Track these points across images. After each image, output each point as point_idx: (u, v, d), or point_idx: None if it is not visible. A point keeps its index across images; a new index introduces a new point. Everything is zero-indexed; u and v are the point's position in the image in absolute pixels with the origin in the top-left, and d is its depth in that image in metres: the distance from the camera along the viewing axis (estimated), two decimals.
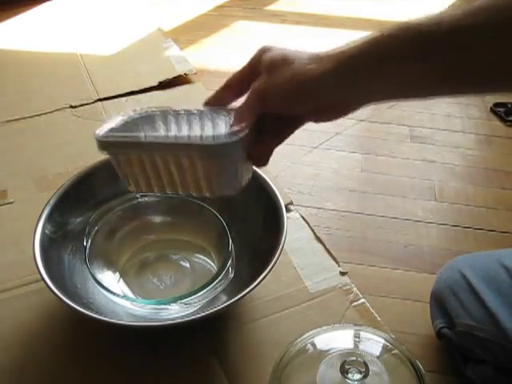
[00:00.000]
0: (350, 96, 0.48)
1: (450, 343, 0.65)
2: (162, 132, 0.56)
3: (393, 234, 0.85)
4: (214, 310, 0.60)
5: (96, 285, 0.65)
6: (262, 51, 0.51)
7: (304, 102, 0.48)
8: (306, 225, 0.83)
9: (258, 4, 1.45)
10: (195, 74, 1.14)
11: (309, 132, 1.04)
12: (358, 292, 0.73)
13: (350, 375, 0.54)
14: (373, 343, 0.61)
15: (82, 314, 0.59)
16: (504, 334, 0.56)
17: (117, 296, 0.65)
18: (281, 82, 0.48)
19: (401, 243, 0.84)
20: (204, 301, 0.65)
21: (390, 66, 0.43)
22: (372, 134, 1.01)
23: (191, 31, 1.35)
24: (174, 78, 1.12)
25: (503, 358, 0.58)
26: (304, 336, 0.61)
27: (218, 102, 0.55)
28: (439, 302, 0.66)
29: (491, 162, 1.01)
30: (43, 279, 0.61)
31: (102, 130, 0.54)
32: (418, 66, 0.42)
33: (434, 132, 1.08)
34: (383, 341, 0.61)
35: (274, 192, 0.71)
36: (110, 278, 0.69)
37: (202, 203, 0.73)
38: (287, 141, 0.53)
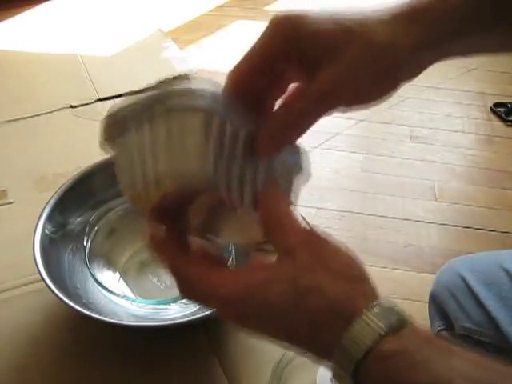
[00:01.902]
0: (436, 59, 0.41)
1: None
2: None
3: (393, 234, 0.85)
4: (214, 310, 0.60)
5: (96, 285, 0.65)
6: (286, 27, 0.39)
7: (389, 84, 0.40)
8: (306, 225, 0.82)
9: (257, 4, 1.45)
10: (195, 74, 1.14)
11: (309, 132, 1.04)
12: None
13: None
14: None
15: (82, 313, 0.59)
16: (504, 338, 0.56)
17: (117, 296, 0.65)
18: (359, 66, 0.38)
19: (401, 243, 0.84)
20: None
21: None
22: (372, 134, 1.01)
23: (191, 31, 1.35)
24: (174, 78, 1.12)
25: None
26: None
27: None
28: (438, 305, 0.66)
29: (492, 162, 1.01)
30: (43, 279, 0.61)
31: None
32: None
33: (434, 132, 1.08)
34: None
35: None
36: (109, 277, 0.69)
37: None
38: None
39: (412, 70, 0.40)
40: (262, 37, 0.40)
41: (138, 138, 0.41)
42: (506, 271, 0.60)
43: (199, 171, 0.39)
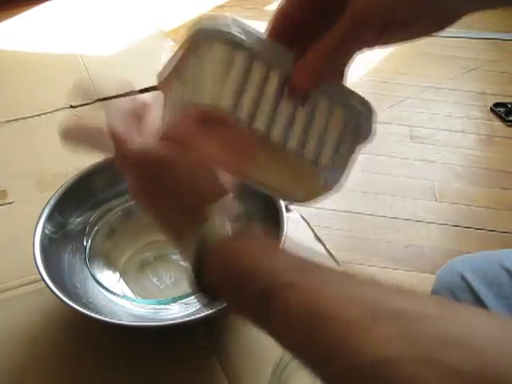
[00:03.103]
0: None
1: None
2: None
3: (393, 234, 0.85)
4: (214, 309, 0.60)
5: (96, 285, 0.65)
6: None
7: (433, 10, 0.37)
8: (306, 225, 0.83)
9: (257, 4, 1.45)
10: None
11: None
12: None
13: None
14: None
15: (82, 313, 0.59)
16: None
17: (117, 296, 0.65)
18: None
19: (401, 243, 0.84)
20: None
21: None
22: None
23: None
24: None
25: None
26: None
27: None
28: None
29: (492, 162, 1.01)
30: (43, 279, 0.61)
31: None
32: None
33: (434, 132, 1.08)
34: None
35: None
36: (109, 277, 0.69)
37: None
38: None
39: (447, 12, 0.38)
40: None
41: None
42: (507, 270, 0.60)
43: (210, 104, 0.39)
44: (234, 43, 0.39)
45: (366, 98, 0.43)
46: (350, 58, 0.40)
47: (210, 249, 0.41)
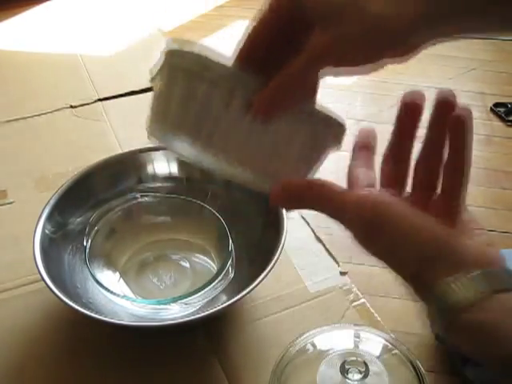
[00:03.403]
0: (435, 37, 0.39)
1: (449, 346, 0.65)
2: None
3: None
4: (214, 310, 0.60)
5: (96, 285, 0.66)
6: None
7: (385, 51, 0.39)
8: (306, 225, 0.83)
9: (257, 4, 1.45)
10: None
11: None
12: (358, 292, 0.73)
13: (350, 375, 0.55)
14: (373, 343, 0.61)
15: (82, 313, 0.59)
16: None
17: (117, 296, 0.65)
18: (357, 32, 0.37)
19: None
20: (204, 301, 0.65)
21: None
22: None
23: (191, 31, 1.35)
24: None
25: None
26: (304, 336, 0.61)
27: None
28: None
29: (491, 162, 1.01)
30: (43, 279, 0.61)
31: None
32: None
33: None
34: (383, 341, 0.61)
35: None
36: (109, 277, 0.69)
37: (202, 203, 0.73)
38: None
39: (402, 48, 0.39)
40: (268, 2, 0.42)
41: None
42: None
43: (177, 131, 0.42)
44: (196, 72, 0.41)
45: (333, 115, 0.45)
46: (315, 84, 0.42)
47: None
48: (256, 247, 0.69)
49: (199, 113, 0.41)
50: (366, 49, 0.38)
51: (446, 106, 0.41)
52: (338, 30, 0.37)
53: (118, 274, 0.71)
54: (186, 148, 0.42)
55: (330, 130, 0.45)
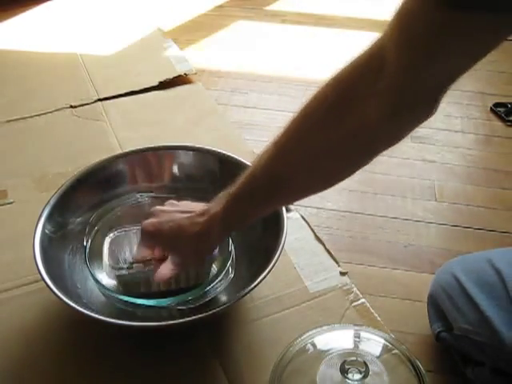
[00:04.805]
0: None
1: (449, 346, 0.65)
2: None
3: (393, 234, 0.85)
4: (214, 310, 0.60)
5: (96, 285, 0.65)
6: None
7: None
8: (306, 225, 0.83)
9: (257, 4, 1.45)
10: (195, 74, 1.14)
11: None
12: (357, 292, 0.73)
13: (350, 375, 0.55)
14: (373, 343, 0.61)
15: (82, 313, 0.59)
16: (498, 338, 0.56)
17: (117, 296, 0.65)
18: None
19: (401, 243, 0.84)
20: (204, 301, 0.65)
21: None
22: None
23: (191, 31, 1.35)
24: (174, 77, 1.12)
25: (499, 361, 0.58)
26: (304, 336, 0.61)
27: None
28: (436, 306, 0.66)
29: (491, 162, 1.01)
30: (43, 279, 0.61)
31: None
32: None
33: (433, 132, 1.08)
34: (383, 341, 0.61)
35: None
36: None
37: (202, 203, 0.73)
38: None
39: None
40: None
41: None
42: (497, 270, 0.60)
43: None
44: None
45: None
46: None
47: None
48: (256, 247, 0.69)
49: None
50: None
51: None
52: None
53: None
54: None
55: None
